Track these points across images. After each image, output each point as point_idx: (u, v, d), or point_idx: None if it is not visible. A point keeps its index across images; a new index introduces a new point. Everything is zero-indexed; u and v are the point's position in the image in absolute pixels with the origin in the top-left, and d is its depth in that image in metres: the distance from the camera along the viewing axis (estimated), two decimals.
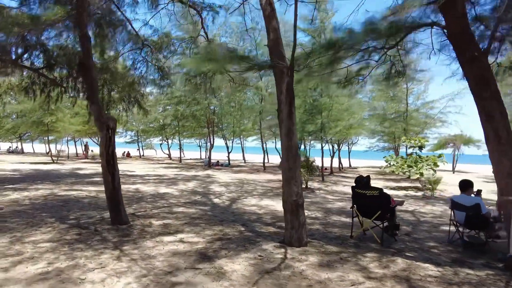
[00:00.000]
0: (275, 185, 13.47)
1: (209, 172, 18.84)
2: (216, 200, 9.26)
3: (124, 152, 33.18)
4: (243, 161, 31.32)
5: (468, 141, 24.78)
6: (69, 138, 26.46)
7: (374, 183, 15.67)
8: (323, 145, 16.57)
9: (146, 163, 25.45)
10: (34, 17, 5.22)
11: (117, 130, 29.84)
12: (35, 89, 8.67)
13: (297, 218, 5.06)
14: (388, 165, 13.88)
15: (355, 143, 26.61)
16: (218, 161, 24.34)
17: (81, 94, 8.82)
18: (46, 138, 28.12)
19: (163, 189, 10.97)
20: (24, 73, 8.99)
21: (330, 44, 6.09)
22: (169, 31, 8.95)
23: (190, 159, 33.72)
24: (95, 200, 8.61)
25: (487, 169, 29.39)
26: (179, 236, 5.54)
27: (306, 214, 7.87)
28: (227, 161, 25.11)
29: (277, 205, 8.78)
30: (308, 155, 29.05)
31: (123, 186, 11.34)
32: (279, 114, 5.28)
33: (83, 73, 5.93)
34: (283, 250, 4.93)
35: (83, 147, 30.61)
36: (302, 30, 16.58)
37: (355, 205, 5.88)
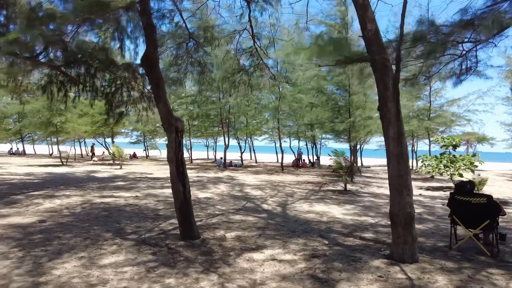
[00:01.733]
0: (308, 187, 12.88)
1: (228, 173, 18.16)
2: (265, 206, 8.61)
3: (130, 154, 32.09)
4: (254, 161, 30.59)
5: (482, 139, 24.51)
6: (74, 139, 25.37)
7: None
8: (351, 144, 15.99)
9: (155, 164, 24.62)
10: (102, 2, 4.51)
11: (123, 130, 28.90)
12: (52, 88, 8.02)
13: (410, 232, 4.47)
14: (424, 165, 13.35)
15: (368, 141, 26.20)
16: (231, 161, 23.64)
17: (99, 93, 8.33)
18: (51, 139, 27.08)
19: (199, 194, 10.27)
20: (43, 71, 8.38)
21: (416, 38, 5.54)
22: (214, 24, 8.24)
23: (197, 159, 32.88)
24: (137, 209, 7.89)
25: (503, 167, 29.30)
26: (267, 252, 4.90)
27: (373, 221, 7.32)
28: (240, 162, 24.46)
29: (334, 211, 8.20)
30: (318, 154, 28.61)
31: (155, 191, 10.66)
32: (384, 114, 4.66)
33: (148, 68, 5.21)
34: (397, 267, 4.32)
35: (90, 148, 29.51)
36: (328, 24, 16.00)
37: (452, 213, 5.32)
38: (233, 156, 29.03)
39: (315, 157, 27.78)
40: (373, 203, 9.44)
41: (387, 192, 11.69)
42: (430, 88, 18.00)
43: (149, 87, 9.58)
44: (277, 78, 9.71)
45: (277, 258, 4.65)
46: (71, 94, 8.52)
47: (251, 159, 33.13)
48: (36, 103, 18.98)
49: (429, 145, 18.54)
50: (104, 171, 17.35)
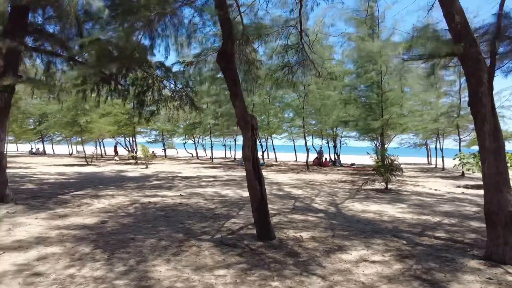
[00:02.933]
0: (344, 186, 12.70)
1: None
2: (316, 206, 8.46)
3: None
4: (275, 160, 30.43)
5: (507, 136, 24.00)
6: (98, 139, 25.47)
7: (425, 181, 14.89)
8: (383, 142, 15.72)
9: (177, 163, 24.60)
10: None
11: (142, 130, 28.95)
12: (86, 88, 8.02)
13: (511, 232, 4.28)
14: (462, 163, 13.07)
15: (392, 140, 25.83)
16: None
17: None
18: (71, 139, 27.25)
19: (242, 193, 10.12)
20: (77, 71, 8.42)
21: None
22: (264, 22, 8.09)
23: (216, 158, 32.83)
24: (190, 208, 7.80)
25: None
26: (353, 253, 4.75)
27: (434, 219, 7.12)
28: (262, 160, 24.35)
29: (390, 210, 8.02)
30: (336, 152, 28.36)
31: (197, 190, 10.58)
32: (479, 109, 4.47)
33: (225, 64, 5.08)
34: (501, 269, 4.14)
35: (113, 148, 29.62)
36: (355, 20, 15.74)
37: None
38: None
39: (335, 156, 27.55)
40: (423, 202, 9.23)
41: (428, 190, 11.55)
42: (460, 85, 17.64)
43: (180, 86, 9.54)
44: (321, 74, 9.51)
45: (368, 259, 4.50)
46: (104, 93, 8.55)
47: (268, 157, 32.98)
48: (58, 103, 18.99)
49: (459, 143, 18.21)
50: (132, 171, 17.35)
